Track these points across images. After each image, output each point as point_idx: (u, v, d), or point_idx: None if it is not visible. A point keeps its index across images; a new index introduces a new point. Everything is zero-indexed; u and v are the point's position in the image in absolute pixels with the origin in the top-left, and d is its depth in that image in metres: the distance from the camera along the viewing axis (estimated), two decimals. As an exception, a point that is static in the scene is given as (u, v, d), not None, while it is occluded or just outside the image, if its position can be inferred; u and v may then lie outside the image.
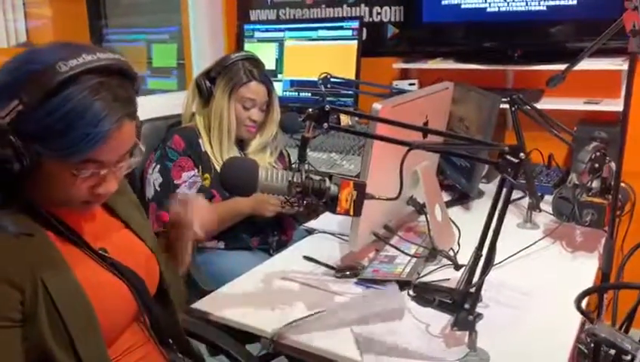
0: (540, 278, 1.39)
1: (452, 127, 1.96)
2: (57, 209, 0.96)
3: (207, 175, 1.83)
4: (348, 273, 1.41)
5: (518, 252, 1.48)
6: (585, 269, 1.47)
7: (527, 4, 2.34)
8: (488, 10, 2.42)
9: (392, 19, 2.81)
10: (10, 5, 3.87)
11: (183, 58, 3.42)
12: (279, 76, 2.90)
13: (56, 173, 0.90)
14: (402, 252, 1.45)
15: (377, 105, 1.22)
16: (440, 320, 1.15)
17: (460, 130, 1.99)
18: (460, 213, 1.87)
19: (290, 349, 1.16)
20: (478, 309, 1.05)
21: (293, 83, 2.88)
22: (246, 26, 3.06)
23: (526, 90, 2.34)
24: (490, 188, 2.08)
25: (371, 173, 1.27)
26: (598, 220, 1.52)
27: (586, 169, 1.52)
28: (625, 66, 2.02)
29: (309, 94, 2.82)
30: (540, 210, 1.73)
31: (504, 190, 1.04)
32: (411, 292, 1.11)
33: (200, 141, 1.85)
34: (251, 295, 1.36)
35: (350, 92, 2.61)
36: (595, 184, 1.55)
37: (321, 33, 2.80)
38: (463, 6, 2.47)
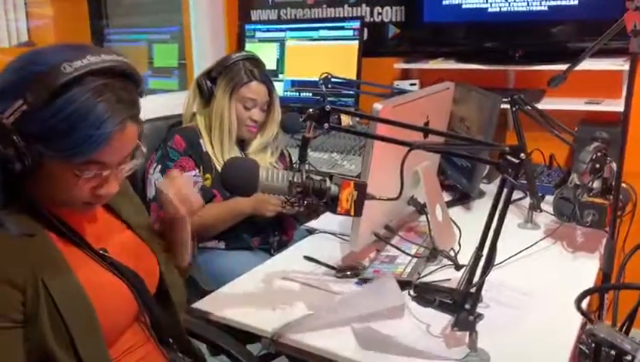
0: (540, 278, 1.39)
1: (453, 127, 1.95)
2: (59, 209, 0.97)
3: (208, 175, 1.84)
4: (349, 273, 1.41)
5: (519, 252, 1.48)
6: (586, 269, 1.47)
7: (528, 5, 2.34)
8: (489, 10, 2.42)
9: (393, 20, 2.81)
10: (11, 5, 3.89)
11: (184, 58, 3.43)
12: (280, 76, 2.90)
13: (58, 173, 0.90)
14: (403, 252, 1.45)
15: (378, 106, 1.22)
16: (440, 320, 1.15)
17: (460, 130, 1.99)
18: (461, 213, 1.87)
19: (290, 349, 1.16)
20: (479, 309, 1.05)
21: (294, 83, 2.88)
22: (247, 26, 3.06)
23: (527, 91, 2.34)
24: (491, 188, 2.08)
25: (372, 173, 1.27)
26: (599, 220, 1.52)
27: (587, 169, 1.52)
28: (626, 67, 2.03)
29: (310, 94, 2.82)
30: (541, 211, 1.73)
31: (505, 190, 1.04)
32: (412, 292, 1.11)
33: (201, 141, 1.85)
34: (252, 295, 1.36)
35: (351, 92, 2.61)
36: (596, 184, 1.55)
37: (322, 33, 2.80)
38: (464, 6, 2.47)
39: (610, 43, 1.47)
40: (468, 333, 1.06)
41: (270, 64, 2.80)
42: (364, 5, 2.86)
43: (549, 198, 1.71)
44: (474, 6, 2.45)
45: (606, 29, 1.44)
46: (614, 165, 1.50)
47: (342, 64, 2.61)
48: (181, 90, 3.48)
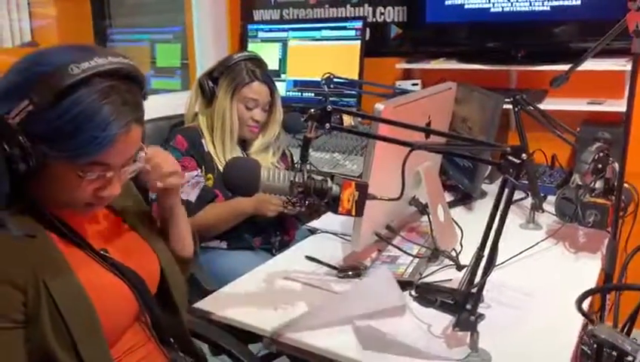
0: (542, 279, 1.39)
1: (455, 127, 1.95)
2: (60, 210, 0.97)
3: (210, 175, 1.84)
4: (350, 273, 1.41)
5: (521, 252, 1.47)
6: (587, 270, 1.46)
7: (530, 5, 2.33)
8: (492, 10, 2.41)
9: (396, 20, 2.81)
10: (14, 5, 3.89)
11: (187, 58, 3.44)
12: (282, 76, 2.90)
13: (62, 174, 0.90)
14: (404, 252, 1.45)
15: (380, 106, 1.22)
16: (442, 320, 1.15)
17: (462, 130, 1.99)
18: (463, 214, 1.86)
19: (291, 349, 1.16)
20: (480, 310, 1.05)
21: (296, 83, 2.88)
22: (249, 26, 3.06)
23: (529, 91, 2.34)
24: (492, 188, 2.08)
25: (373, 173, 1.27)
26: (601, 221, 1.51)
27: (589, 169, 1.52)
28: (628, 67, 2.02)
29: (312, 94, 2.82)
30: (543, 211, 1.73)
31: (506, 191, 1.04)
32: (413, 292, 1.11)
33: (203, 141, 1.85)
34: (253, 295, 1.36)
35: (353, 92, 2.61)
36: (599, 184, 1.55)
37: (325, 33, 2.80)
38: (466, 6, 2.47)
39: (612, 43, 1.47)
40: (469, 334, 1.06)
41: (272, 64, 2.80)
42: (366, 5, 2.86)
43: (551, 199, 1.71)
44: (476, 6, 2.45)
45: (608, 29, 1.43)
46: (616, 165, 1.50)
47: (344, 64, 2.61)
48: (183, 90, 3.48)
